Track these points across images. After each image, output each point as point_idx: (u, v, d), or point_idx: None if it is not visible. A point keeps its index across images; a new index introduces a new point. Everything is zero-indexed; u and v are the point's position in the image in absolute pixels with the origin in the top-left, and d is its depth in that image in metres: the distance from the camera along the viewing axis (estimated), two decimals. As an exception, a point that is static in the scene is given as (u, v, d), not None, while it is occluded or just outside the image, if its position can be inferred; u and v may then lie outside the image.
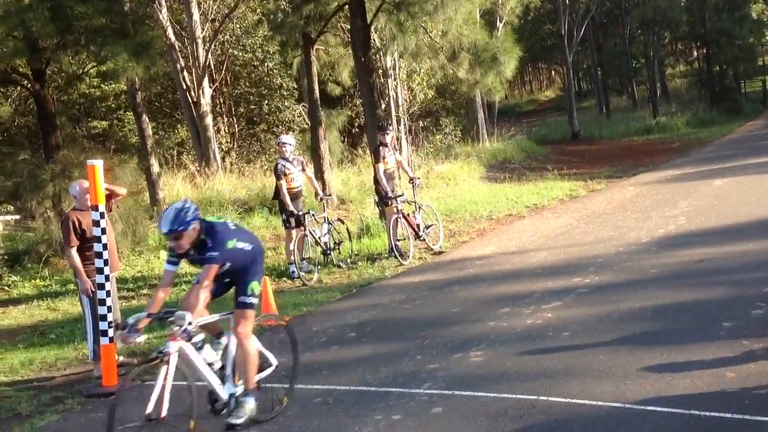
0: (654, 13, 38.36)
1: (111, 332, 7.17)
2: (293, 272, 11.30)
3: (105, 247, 7.18)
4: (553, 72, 69.05)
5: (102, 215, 7.16)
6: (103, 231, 7.17)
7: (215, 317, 5.87)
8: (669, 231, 11.60)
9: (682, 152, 25.17)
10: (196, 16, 19.80)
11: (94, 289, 7.43)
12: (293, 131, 23.30)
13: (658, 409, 5.17)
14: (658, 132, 32.82)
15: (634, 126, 34.59)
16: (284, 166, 11.48)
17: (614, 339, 6.77)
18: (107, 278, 7.22)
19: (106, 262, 7.20)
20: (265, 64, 25.21)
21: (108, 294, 7.22)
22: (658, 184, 17.59)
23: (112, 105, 26.66)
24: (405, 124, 22.62)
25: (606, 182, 19.30)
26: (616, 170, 21.73)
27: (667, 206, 13.90)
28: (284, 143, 11.68)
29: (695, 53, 50.50)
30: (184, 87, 19.17)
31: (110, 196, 7.55)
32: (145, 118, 16.46)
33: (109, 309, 7.21)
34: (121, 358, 7.78)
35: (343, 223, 12.68)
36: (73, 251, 7.45)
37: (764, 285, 7.92)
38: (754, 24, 42.94)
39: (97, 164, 7.15)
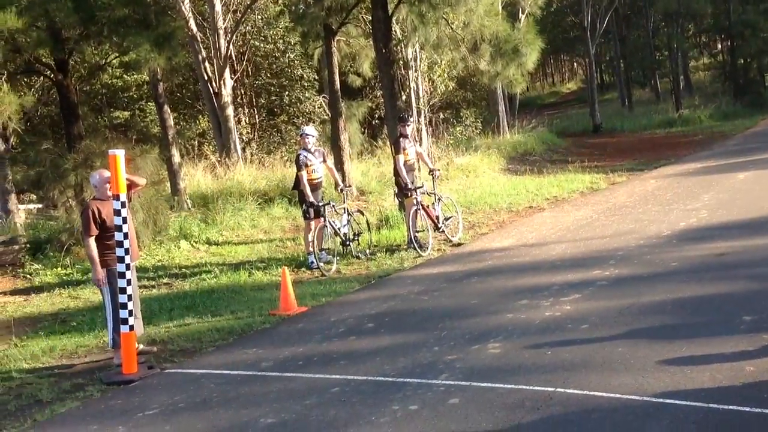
0: (678, 4, 37.97)
1: (131, 321, 7.24)
2: (312, 263, 11.34)
3: (126, 236, 7.24)
4: (575, 64, 68.65)
5: (123, 204, 7.21)
6: (124, 220, 7.22)
7: None
8: (690, 224, 11.51)
9: (704, 145, 24.93)
10: (218, 6, 19.85)
11: (104, 282, 7.50)
12: (314, 122, 23.31)
13: (677, 402, 5.14)
14: (680, 125, 32.50)
15: (656, 119, 34.30)
16: (306, 157, 11.52)
17: (633, 332, 6.73)
18: (128, 267, 7.28)
19: (126, 251, 7.26)
20: (287, 55, 25.24)
21: (129, 283, 7.28)
22: (680, 177, 17.44)
23: (134, 95, 26.83)
24: (425, 116, 22.58)
25: (627, 175, 19.17)
26: (638, 163, 21.58)
27: (689, 199, 13.79)
28: (307, 134, 11.72)
29: (719, 46, 49.91)
30: (206, 78, 19.24)
31: (130, 186, 7.60)
32: (166, 108, 16.53)
33: (130, 298, 7.27)
34: (141, 347, 7.86)
35: (362, 214, 12.70)
36: (91, 241, 7.51)
37: (786, 279, 7.85)
38: (780, 16, 42.38)
39: (119, 154, 7.19)
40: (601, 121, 34.34)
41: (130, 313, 7.25)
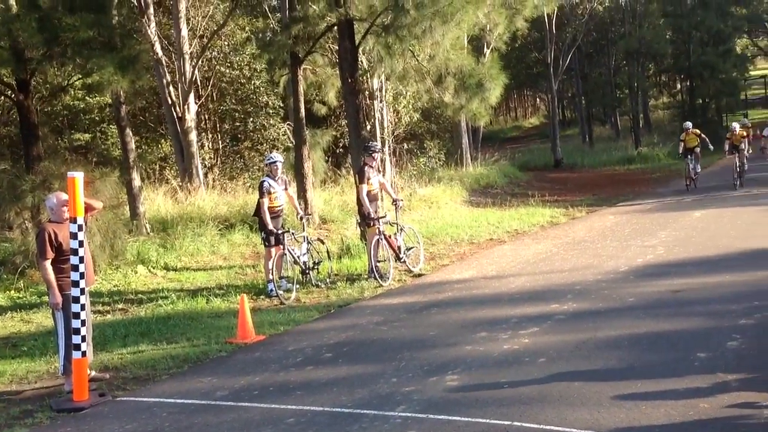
0: (639, 44, 38.80)
1: (84, 347, 7.10)
2: (271, 290, 11.26)
3: (81, 260, 7.11)
4: (538, 99, 69.51)
5: (80, 228, 7.10)
6: (81, 244, 7.11)
7: None
8: (647, 260, 11.67)
9: (662, 183, 25.38)
10: (184, 31, 19.80)
11: (60, 306, 7.35)
12: (278, 149, 23.27)
13: (631, 438, 5.17)
14: (639, 162, 33.10)
15: (616, 155, 34.86)
16: (269, 184, 11.49)
17: (590, 366, 6.77)
18: (82, 292, 7.15)
19: (82, 276, 7.13)
20: (252, 81, 25.20)
21: (82, 308, 7.15)
22: (638, 213, 17.70)
23: (96, 118, 26.51)
24: (390, 146, 22.67)
25: (587, 210, 19.40)
26: (597, 198, 21.86)
27: (647, 236, 13.98)
28: (275, 161, 11.65)
29: (678, 86, 50.97)
30: (170, 102, 19.12)
31: (86, 209, 7.48)
32: (128, 131, 16.37)
33: (83, 323, 7.13)
34: (93, 373, 7.70)
35: (323, 243, 12.66)
36: (47, 264, 7.37)
37: (740, 317, 7.97)
38: (738, 58, 43.49)
39: (78, 176, 7.09)
40: (562, 156, 34.79)
41: (83, 339, 7.11)
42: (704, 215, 16.12)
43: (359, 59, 16.59)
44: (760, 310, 8.17)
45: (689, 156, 21.69)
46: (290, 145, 22.01)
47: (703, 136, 21.73)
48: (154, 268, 13.36)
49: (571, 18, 37.72)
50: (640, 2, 41.30)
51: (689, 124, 22.69)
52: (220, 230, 15.48)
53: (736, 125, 22.29)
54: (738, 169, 21.21)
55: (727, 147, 21.54)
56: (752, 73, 54.39)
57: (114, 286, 12.40)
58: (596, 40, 44.66)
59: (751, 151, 23.07)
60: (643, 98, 44.19)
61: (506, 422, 5.59)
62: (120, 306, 11.24)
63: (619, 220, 16.75)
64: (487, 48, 26.47)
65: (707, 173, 26.94)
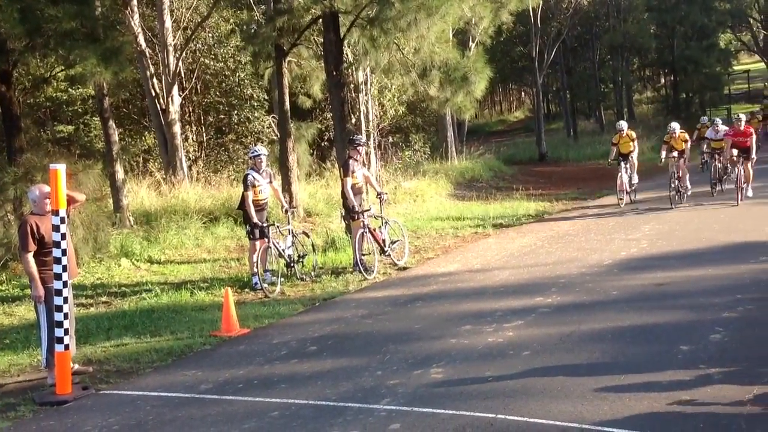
0: (624, 38, 38.95)
1: (66, 340, 7.06)
2: (256, 283, 11.23)
3: (64, 252, 7.07)
4: (522, 93, 69.67)
5: (62, 220, 7.05)
6: (63, 236, 7.06)
7: None
8: (631, 254, 11.72)
9: (646, 177, 25.38)
10: (168, 23, 19.67)
11: (42, 299, 7.30)
12: (262, 142, 23.17)
13: (615, 430, 5.19)
14: (624, 156, 33.16)
15: (600, 149, 34.89)
16: (254, 177, 11.46)
17: (574, 359, 6.80)
18: (65, 284, 7.10)
19: (64, 268, 7.09)
20: (237, 74, 25.09)
21: (65, 301, 7.10)
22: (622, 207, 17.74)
23: (79, 109, 26.33)
24: (375, 140, 22.64)
25: (571, 203, 19.46)
26: (582, 192, 21.95)
27: (630, 229, 14.04)
28: (260, 155, 11.62)
29: (663, 80, 51.32)
30: (153, 94, 19.00)
31: (69, 202, 7.43)
32: (111, 123, 16.25)
33: (66, 316, 7.09)
34: (76, 366, 7.66)
35: (307, 236, 12.64)
36: (29, 256, 7.31)
37: (723, 310, 8.02)
38: (722, 53, 43.83)
39: (60, 168, 7.04)
40: (547, 150, 34.89)
41: (66, 332, 7.07)
42: (687, 209, 16.19)
43: (344, 52, 16.58)
44: (742, 303, 8.23)
45: (624, 163, 17.82)
46: (275, 138, 21.93)
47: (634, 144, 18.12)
48: (137, 261, 13.29)
49: (556, 12, 37.75)
50: (624, -4, 41.49)
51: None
52: (204, 223, 15.43)
53: (675, 126, 17.43)
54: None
55: (664, 152, 17.12)
56: (736, 67, 54.82)
57: (97, 279, 12.34)
58: (581, 34, 44.77)
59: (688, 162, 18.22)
60: (627, 92, 44.41)
61: (490, 415, 5.61)
62: (103, 299, 11.18)
63: (603, 214, 16.80)
64: (472, 41, 26.49)
65: (690, 167, 27.10)
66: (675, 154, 17.03)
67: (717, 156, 18.51)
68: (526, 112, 63.30)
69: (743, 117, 17.61)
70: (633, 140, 18.23)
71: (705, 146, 21.30)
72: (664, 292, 9.16)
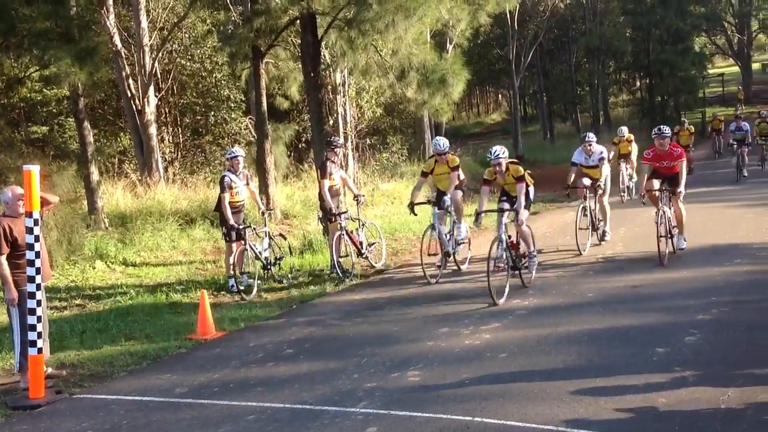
0: (600, 42, 39.25)
1: (40, 343, 6.97)
2: (232, 286, 11.17)
3: (37, 255, 6.98)
4: (500, 96, 69.97)
5: (36, 222, 6.97)
6: (36, 239, 6.97)
7: None
8: (606, 256, 11.80)
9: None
10: (144, 23, 19.55)
11: (16, 302, 7.21)
12: (239, 144, 23.06)
13: (591, 432, 5.22)
14: (600, 159, 33.39)
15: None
16: (231, 179, 11.39)
17: (550, 362, 6.82)
18: (38, 287, 7.02)
19: (38, 271, 7.00)
20: (213, 75, 24.95)
21: (38, 304, 7.02)
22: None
23: (54, 110, 26.06)
24: (352, 141, 22.63)
25: (548, 205, 19.55)
26: (558, 194, 22.01)
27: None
28: (237, 156, 11.56)
29: (638, 83, 51.72)
30: (129, 95, 18.87)
31: (43, 203, 7.34)
32: (86, 124, 16.11)
33: (39, 319, 7.00)
34: (50, 370, 7.57)
35: (284, 238, 12.59)
36: (2, 259, 7.21)
37: (697, 312, 8.09)
38: (696, 56, 44.23)
39: (34, 170, 6.96)
40: (523, 152, 35.07)
41: (39, 335, 6.99)
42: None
43: (322, 53, 16.53)
44: (716, 306, 8.31)
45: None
46: (252, 139, 21.87)
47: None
48: (112, 264, 13.17)
49: (533, 15, 38.01)
50: (600, 0, 41.79)
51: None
52: (180, 225, 15.32)
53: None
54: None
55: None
56: (710, 71, 55.39)
57: (71, 282, 12.20)
58: (557, 37, 45.10)
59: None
60: (603, 95, 44.72)
61: (467, 418, 5.61)
62: (77, 302, 11.05)
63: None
64: (450, 44, 26.54)
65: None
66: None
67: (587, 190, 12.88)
68: (503, 114, 63.52)
69: (667, 130, 11.44)
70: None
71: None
72: (639, 294, 9.22)
